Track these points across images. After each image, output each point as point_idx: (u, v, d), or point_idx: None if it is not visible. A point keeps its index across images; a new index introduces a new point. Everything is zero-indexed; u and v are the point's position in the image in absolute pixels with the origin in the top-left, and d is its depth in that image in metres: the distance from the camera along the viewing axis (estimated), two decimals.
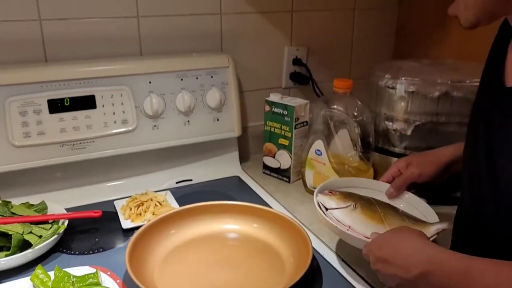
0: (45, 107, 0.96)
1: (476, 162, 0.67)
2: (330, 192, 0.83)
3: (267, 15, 1.25)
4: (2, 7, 0.97)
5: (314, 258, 0.79)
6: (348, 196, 0.83)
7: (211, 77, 1.12)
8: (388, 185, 0.90)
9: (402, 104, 1.04)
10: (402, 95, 1.03)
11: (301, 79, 1.32)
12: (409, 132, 1.04)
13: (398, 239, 0.66)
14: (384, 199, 0.88)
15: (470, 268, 0.55)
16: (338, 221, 0.79)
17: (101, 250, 0.87)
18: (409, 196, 0.89)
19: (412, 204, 0.87)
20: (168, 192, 1.05)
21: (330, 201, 0.81)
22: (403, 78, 1.02)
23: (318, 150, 1.04)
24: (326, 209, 0.81)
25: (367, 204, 0.82)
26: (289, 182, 1.16)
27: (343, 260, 0.83)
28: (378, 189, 0.91)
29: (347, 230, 0.77)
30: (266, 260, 0.83)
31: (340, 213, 0.80)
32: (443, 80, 0.99)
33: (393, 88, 1.04)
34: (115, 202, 1.01)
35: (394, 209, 0.84)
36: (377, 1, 1.39)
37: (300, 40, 1.31)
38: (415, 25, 1.39)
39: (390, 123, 1.06)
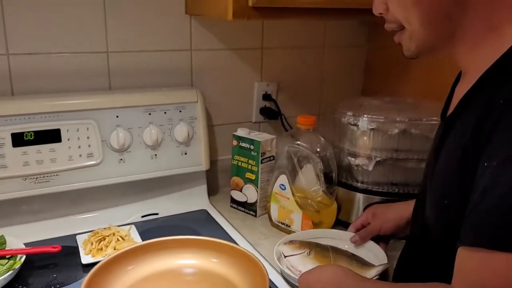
0: (8, 141, 0.97)
1: (422, 187, 0.74)
2: (291, 242, 0.93)
3: (237, 52, 1.28)
4: None
5: None
6: (305, 244, 0.92)
7: (180, 111, 1.14)
8: (351, 234, 0.98)
9: (364, 140, 1.06)
10: (364, 131, 1.06)
11: (271, 114, 1.35)
12: (370, 168, 1.06)
13: (320, 273, 0.75)
14: (344, 245, 0.97)
15: None
16: (292, 266, 0.88)
17: (58, 286, 0.86)
18: (368, 242, 0.97)
19: (368, 248, 0.96)
20: (133, 226, 1.05)
21: (288, 250, 0.91)
22: (364, 116, 1.05)
23: (282, 185, 1.06)
24: (285, 256, 0.90)
25: (322, 250, 0.91)
26: (255, 216, 1.16)
27: None
28: (341, 238, 0.99)
29: (299, 274, 0.83)
30: None
31: (295, 259, 0.90)
32: (402, 118, 1.02)
33: (355, 125, 1.06)
34: (77, 237, 1.00)
35: (346, 254, 0.92)
36: (346, 39, 1.44)
37: (270, 75, 1.35)
38: (383, 63, 1.43)
39: (353, 159, 1.08)
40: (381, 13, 0.68)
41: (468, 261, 0.54)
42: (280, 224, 1.09)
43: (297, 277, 0.83)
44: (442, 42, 0.64)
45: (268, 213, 1.11)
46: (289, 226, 1.07)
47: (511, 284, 0.50)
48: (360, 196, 1.08)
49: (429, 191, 0.68)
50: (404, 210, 0.91)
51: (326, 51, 1.42)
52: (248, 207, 1.18)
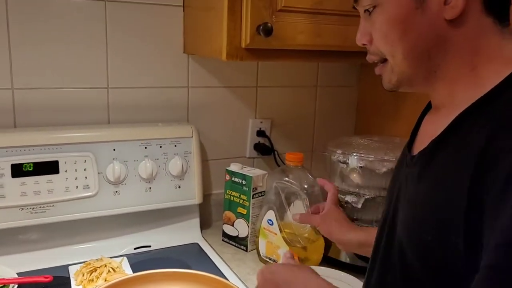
0: (8, 171, 1.00)
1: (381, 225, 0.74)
2: None
3: (233, 89, 1.33)
4: None
5: None
6: None
7: (175, 146, 1.18)
8: (340, 272, 1.01)
9: (353, 177, 1.09)
10: (353, 169, 1.09)
11: (264, 150, 1.39)
12: (359, 205, 1.08)
13: (293, 270, 0.78)
14: (331, 281, 0.95)
15: None
16: None
17: None
18: (347, 276, 1.00)
19: (349, 283, 0.98)
20: (125, 258, 1.07)
21: None
22: (353, 154, 1.09)
23: (270, 220, 1.08)
24: None
25: None
26: (246, 250, 1.18)
27: None
28: (329, 276, 0.99)
29: None
30: None
31: None
32: (390, 157, 1.05)
33: (345, 163, 1.10)
34: (70, 267, 1.02)
35: None
36: (338, 79, 1.49)
37: (265, 113, 1.39)
38: (373, 102, 1.48)
39: (343, 196, 1.10)
40: (364, 44, 0.69)
41: None
42: (268, 260, 1.10)
43: None
44: (423, 77, 0.65)
45: (257, 248, 1.13)
46: (276, 262, 1.08)
47: None
48: None
49: (405, 228, 0.65)
50: (354, 234, 0.95)
51: (319, 91, 1.47)
52: (239, 242, 1.19)
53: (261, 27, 0.94)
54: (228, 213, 1.21)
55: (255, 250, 1.17)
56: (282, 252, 1.06)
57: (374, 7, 0.64)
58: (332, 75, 1.47)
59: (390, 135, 1.27)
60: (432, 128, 0.65)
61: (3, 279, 0.91)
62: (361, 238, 0.93)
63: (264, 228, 1.09)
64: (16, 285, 0.89)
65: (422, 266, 0.61)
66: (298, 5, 0.99)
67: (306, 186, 1.05)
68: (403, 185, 0.69)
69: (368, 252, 0.82)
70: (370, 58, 0.70)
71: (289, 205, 1.07)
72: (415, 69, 0.64)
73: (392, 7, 0.62)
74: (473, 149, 0.54)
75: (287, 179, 1.06)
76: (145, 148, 1.14)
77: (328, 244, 1.09)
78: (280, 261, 1.06)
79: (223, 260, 1.13)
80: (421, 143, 0.67)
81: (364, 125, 1.52)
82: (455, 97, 0.63)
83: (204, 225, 1.29)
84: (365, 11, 0.66)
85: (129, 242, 1.16)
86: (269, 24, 0.94)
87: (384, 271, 0.71)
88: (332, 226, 0.98)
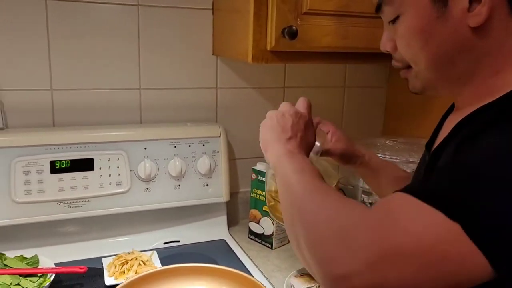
0: (47, 168, 1.07)
1: None
2: (301, 275, 0.98)
3: (261, 90, 1.36)
4: (21, 77, 1.11)
5: None
6: (314, 279, 0.92)
7: (203, 145, 1.22)
8: None
9: None
10: None
11: None
12: None
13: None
14: None
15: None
16: None
17: None
18: None
19: None
20: (154, 252, 1.11)
21: (298, 283, 0.97)
22: (379, 155, 1.09)
23: None
24: None
25: None
26: (271, 248, 1.21)
27: None
28: None
29: None
30: None
31: None
32: (414, 159, 1.05)
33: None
34: (103, 259, 1.08)
35: None
36: (366, 80, 1.49)
37: None
38: (402, 103, 1.47)
39: (366, 196, 1.11)
40: (388, 51, 0.70)
41: (398, 198, 0.52)
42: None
43: None
44: (447, 83, 0.66)
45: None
46: None
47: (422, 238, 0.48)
48: None
49: None
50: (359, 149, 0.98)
51: (346, 91, 1.48)
52: (264, 239, 1.22)
53: (286, 30, 0.96)
54: (254, 211, 1.24)
55: (280, 248, 1.20)
56: None
57: (397, 17, 0.64)
58: (361, 76, 1.48)
59: (418, 137, 1.27)
60: (450, 127, 0.65)
61: (42, 268, 0.97)
62: (378, 160, 0.98)
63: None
64: (54, 275, 0.95)
65: None
66: (324, 8, 1.01)
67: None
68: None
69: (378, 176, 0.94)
70: (394, 64, 0.71)
71: None
72: (439, 76, 0.65)
73: (413, 17, 0.62)
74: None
75: None
76: (175, 147, 1.19)
77: None
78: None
79: (249, 257, 1.16)
80: (439, 142, 0.68)
81: (392, 126, 1.52)
82: (479, 100, 0.62)
83: (231, 222, 1.33)
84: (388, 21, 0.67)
85: (158, 237, 1.21)
86: (294, 27, 0.96)
87: None
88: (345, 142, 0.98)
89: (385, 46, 0.70)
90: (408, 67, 0.68)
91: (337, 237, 0.53)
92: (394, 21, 0.65)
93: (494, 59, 0.60)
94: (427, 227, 0.48)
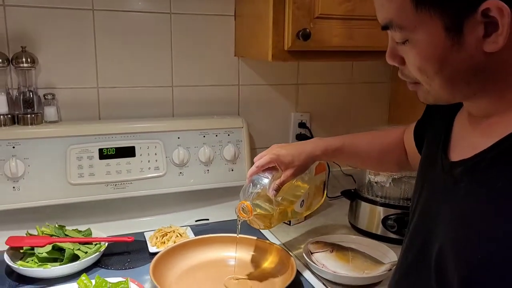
0: (96, 154, 1.24)
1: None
2: (317, 242, 1.14)
3: (277, 87, 1.53)
4: (73, 77, 1.28)
5: (298, 278, 1.00)
6: (329, 244, 1.13)
7: (228, 135, 1.38)
8: (369, 240, 1.19)
9: None
10: None
11: (305, 139, 1.57)
12: (387, 184, 1.25)
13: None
14: (361, 248, 1.15)
15: None
16: (317, 260, 1.08)
17: (131, 267, 1.10)
18: (377, 243, 1.17)
19: (379, 250, 1.15)
20: (188, 228, 1.28)
21: (314, 247, 1.12)
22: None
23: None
24: (311, 252, 1.11)
25: (343, 250, 1.11)
26: (289, 225, 1.37)
27: (319, 280, 1.04)
28: (360, 243, 1.19)
29: (322, 267, 1.05)
30: (259, 277, 1.04)
31: (320, 255, 1.10)
32: None
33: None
34: (145, 233, 1.24)
35: (363, 254, 1.11)
36: (371, 76, 1.66)
37: (304, 107, 1.58)
38: (406, 97, 1.63)
39: (373, 176, 1.27)
40: (395, 65, 0.67)
41: None
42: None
43: (321, 268, 1.03)
44: (461, 98, 0.65)
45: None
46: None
47: None
48: (380, 209, 1.26)
49: (453, 244, 0.61)
50: (307, 146, 1.01)
51: (353, 87, 1.64)
52: None
53: (300, 33, 1.13)
54: None
55: (298, 224, 1.36)
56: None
57: (406, 40, 0.61)
58: (366, 72, 1.64)
59: None
60: (472, 136, 0.64)
61: (97, 237, 1.14)
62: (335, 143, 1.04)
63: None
64: (106, 243, 1.12)
65: (462, 280, 0.59)
66: (333, 12, 1.17)
67: None
68: (442, 191, 0.67)
69: (346, 157, 1.05)
70: (402, 77, 0.68)
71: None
72: (453, 95, 0.63)
73: (427, 45, 0.59)
74: None
75: None
76: (204, 136, 1.36)
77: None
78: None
79: (270, 232, 1.32)
80: (461, 148, 0.67)
81: (396, 118, 1.67)
82: (498, 110, 0.61)
83: None
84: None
85: (190, 215, 1.37)
86: (307, 30, 1.13)
87: (418, 265, 0.70)
88: (302, 156, 0.98)
89: (392, 61, 0.67)
90: (418, 82, 0.65)
91: None
92: (403, 43, 0.62)
93: (510, 74, 0.59)
94: None
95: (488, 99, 0.62)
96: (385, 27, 0.63)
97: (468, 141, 0.65)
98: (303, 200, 1.12)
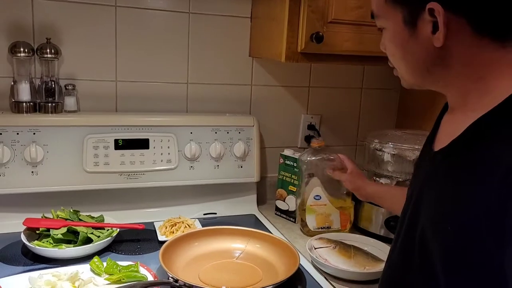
0: (112, 144, 1.29)
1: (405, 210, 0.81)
2: (321, 238, 1.18)
3: (289, 88, 1.57)
4: (93, 70, 1.34)
5: (300, 270, 1.04)
6: (332, 241, 1.17)
7: (239, 132, 1.43)
8: (370, 239, 1.23)
9: (387, 163, 1.29)
10: (388, 156, 1.29)
11: None
12: None
13: None
14: (364, 247, 1.20)
15: None
16: (320, 255, 1.12)
17: (141, 253, 1.14)
18: (380, 243, 1.21)
19: (381, 249, 1.19)
20: (197, 220, 1.32)
21: (318, 243, 1.16)
22: (389, 143, 1.29)
23: (317, 196, 1.29)
24: (315, 248, 1.15)
25: (345, 247, 1.15)
26: (294, 222, 1.40)
27: (321, 274, 1.08)
28: (362, 242, 1.23)
29: (324, 261, 1.09)
30: (263, 268, 1.07)
31: (323, 250, 1.14)
32: (420, 146, 1.24)
33: (381, 150, 1.30)
34: (154, 223, 1.29)
35: (364, 252, 1.15)
36: (381, 82, 1.69)
37: (315, 109, 1.62)
38: (414, 104, 1.66)
39: (378, 179, 1.31)
40: (384, 51, 0.77)
41: None
42: (320, 229, 1.30)
43: (323, 262, 1.06)
44: (429, 85, 0.73)
45: (303, 223, 1.32)
46: (330, 227, 1.30)
47: None
48: (383, 211, 1.30)
49: (430, 220, 0.69)
50: (370, 186, 1.17)
51: (363, 92, 1.67)
52: (289, 214, 1.42)
53: (314, 36, 1.17)
54: (280, 191, 1.44)
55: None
56: (334, 217, 1.29)
57: (383, 28, 0.74)
58: (376, 78, 1.68)
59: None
60: (450, 128, 0.72)
61: (109, 223, 1.19)
62: (380, 191, 1.16)
63: (311, 205, 1.29)
64: (118, 229, 1.17)
65: (441, 251, 0.66)
66: (345, 18, 1.21)
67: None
68: (426, 177, 0.75)
69: (384, 202, 1.10)
70: (389, 63, 0.78)
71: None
72: (418, 80, 0.74)
73: (392, 33, 0.72)
74: (503, 166, 0.58)
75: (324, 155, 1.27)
76: (215, 133, 1.40)
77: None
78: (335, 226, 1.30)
79: (276, 228, 1.36)
80: (442, 141, 0.74)
81: (404, 126, 1.70)
82: (468, 102, 0.69)
83: (259, 202, 1.53)
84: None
85: (199, 209, 1.42)
86: (320, 33, 1.17)
87: (406, 247, 0.77)
88: (358, 181, 1.18)
89: (382, 47, 0.78)
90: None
91: None
92: (381, 30, 0.75)
93: (472, 69, 0.66)
94: None
95: (455, 90, 0.70)
96: (372, 17, 0.75)
97: (447, 132, 0.72)
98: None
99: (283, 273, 1.03)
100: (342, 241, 1.19)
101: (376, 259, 1.12)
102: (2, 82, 1.26)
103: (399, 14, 0.68)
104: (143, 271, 1.02)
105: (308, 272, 1.09)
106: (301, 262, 1.07)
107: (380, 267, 1.07)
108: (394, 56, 0.74)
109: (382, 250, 1.18)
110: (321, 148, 1.29)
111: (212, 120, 1.41)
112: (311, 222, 1.32)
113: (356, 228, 1.36)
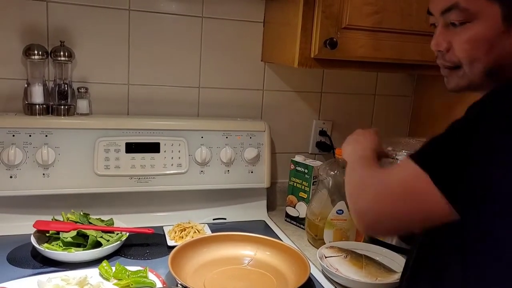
0: (123, 148, 1.29)
1: None
2: (332, 247, 1.16)
3: (301, 94, 1.56)
4: (105, 73, 1.34)
5: (311, 280, 1.02)
6: (343, 250, 1.15)
7: (250, 138, 1.42)
8: (381, 248, 1.20)
9: None
10: None
11: (325, 147, 1.59)
12: None
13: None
14: (375, 257, 1.17)
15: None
16: (330, 264, 1.10)
17: (150, 258, 1.14)
18: (391, 253, 1.18)
19: (393, 259, 1.16)
20: (206, 225, 1.31)
21: (328, 252, 1.15)
22: (402, 151, 1.27)
23: (340, 210, 1.24)
24: (326, 257, 1.13)
25: (357, 256, 1.14)
26: (304, 229, 1.39)
27: (331, 284, 1.06)
28: (373, 251, 1.20)
29: (335, 271, 1.07)
30: (273, 276, 1.06)
31: (334, 260, 1.12)
32: None
33: (393, 158, 1.28)
34: (164, 227, 1.28)
35: (376, 262, 1.13)
36: (395, 89, 1.67)
37: (327, 115, 1.60)
38: (427, 112, 1.64)
39: None
40: (439, 50, 0.76)
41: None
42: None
43: (334, 272, 1.05)
44: (489, 86, 0.73)
45: (315, 239, 1.28)
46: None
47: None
48: None
49: None
50: None
51: (377, 99, 1.66)
52: (299, 221, 1.41)
53: (327, 41, 1.16)
54: (291, 197, 1.43)
55: None
56: (351, 233, 1.26)
57: (464, 22, 0.72)
58: (390, 85, 1.66)
59: None
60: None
61: (119, 227, 1.19)
62: None
63: (332, 219, 1.25)
64: (128, 233, 1.17)
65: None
66: (360, 24, 1.20)
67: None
68: None
69: None
70: (441, 63, 0.78)
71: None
72: (486, 80, 0.73)
73: (484, 27, 0.71)
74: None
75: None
76: (226, 137, 1.39)
77: None
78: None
79: (286, 235, 1.34)
80: None
81: (417, 133, 1.68)
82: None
83: (269, 208, 1.52)
84: (450, 22, 0.74)
85: (209, 214, 1.41)
86: (334, 39, 1.16)
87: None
88: None
89: (440, 45, 0.76)
90: (456, 67, 0.75)
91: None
92: (459, 24, 0.72)
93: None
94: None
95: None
96: (447, 10, 0.73)
97: None
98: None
99: (293, 282, 1.02)
100: (354, 250, 1.17)
101: (388, 269, 1.10)
102: (16, 84, 1.27)
103: (497, 9, 0.69)
104: (151, 276, 1.01)
105: (318, 282, 1.08)
106: (311, 271, 1.06)
107: (393, 278, 1.05)
108: (471, 53, 0.72)
109: (394, 260, 1.16)
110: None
111: (223, 125, 1.40)
112: (328, 236, 1.26)
113: (368, 237, 1.34)
